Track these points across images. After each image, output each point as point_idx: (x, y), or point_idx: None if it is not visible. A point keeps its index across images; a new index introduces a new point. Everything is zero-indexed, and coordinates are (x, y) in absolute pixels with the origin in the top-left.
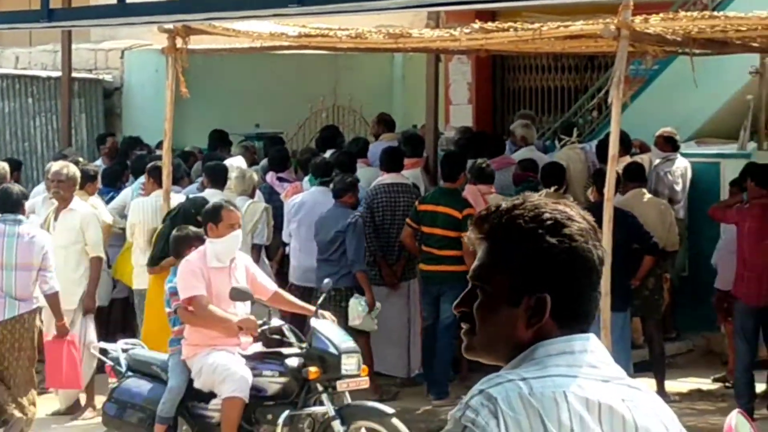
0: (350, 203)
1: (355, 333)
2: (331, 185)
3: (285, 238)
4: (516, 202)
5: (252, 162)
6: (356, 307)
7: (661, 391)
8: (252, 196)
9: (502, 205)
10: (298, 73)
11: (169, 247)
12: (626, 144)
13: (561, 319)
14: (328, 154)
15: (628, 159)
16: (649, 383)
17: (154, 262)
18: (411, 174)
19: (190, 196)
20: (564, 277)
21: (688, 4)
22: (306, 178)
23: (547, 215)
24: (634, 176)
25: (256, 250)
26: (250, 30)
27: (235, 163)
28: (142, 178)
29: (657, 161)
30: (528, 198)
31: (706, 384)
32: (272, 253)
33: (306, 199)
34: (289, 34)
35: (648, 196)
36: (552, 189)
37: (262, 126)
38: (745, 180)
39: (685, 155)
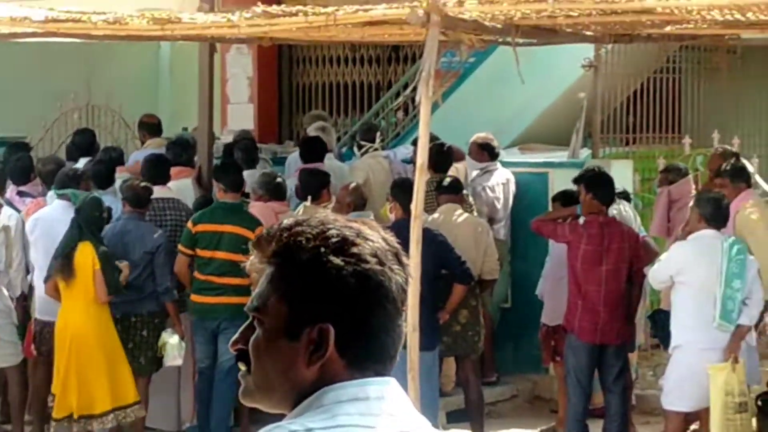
0: (145, 213)
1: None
2: (121, 191)
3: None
4: (301, 219)
5: None
6: (177, 345)
7: None
8: None
9: (284, 222)
10: (44, 65)
11: None
12: (447, 158)
13: (351, 357)
14: (82, 163)
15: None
16: None
17: None
18: (179, 185)
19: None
20: (351, 306)
21: None
22: (50, 192)
23: (333, 232)
24: (446, 189)
25: None
26: None
27: None
28: None
29: (474, 174)
30: (317, 215)
31: None
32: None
33: (42, 215)
34: (34, 19)
35: (463, 213)
36: (308, 201)
37: (0, 129)
38: (574, 194)
39: (506, 164)
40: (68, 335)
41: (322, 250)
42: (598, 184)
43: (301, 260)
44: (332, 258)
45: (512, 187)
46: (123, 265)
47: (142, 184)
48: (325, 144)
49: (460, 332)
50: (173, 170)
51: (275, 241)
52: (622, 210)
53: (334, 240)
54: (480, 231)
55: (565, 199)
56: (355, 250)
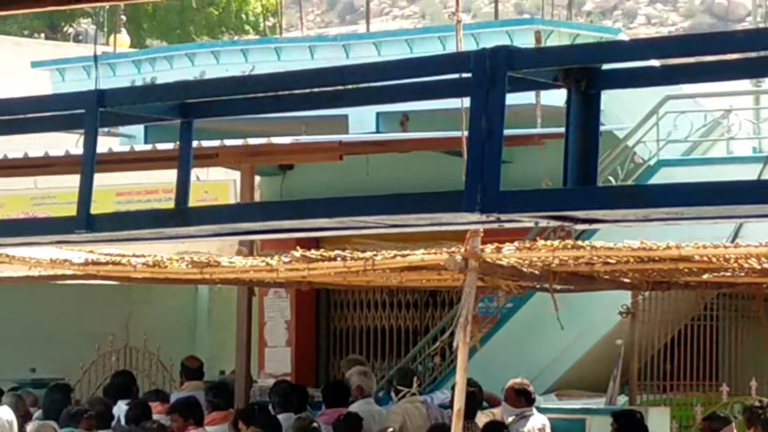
0: None
1: None
2: None
3: None
4: None
5: (25, 413)
6: None
7: None
8: None
9: None
10: (82, 306)
11: None
12: (476, 404)
13: None
14: (120, 405)
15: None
16: None
17: None
18: (218, 430)
19: None
20: None
21: (547, 232)
22: None
23: None
24: None
25: None
26: (27, 256)
27: (2, 415)
28: None
29: (509, 419)
30: None
31: None
32: None
33: None
34: (74, 261)
35: None
36: None
37: (39, 370)
38: None
39: (543, 410)
40: None
41: None
42: (629, 428)
43: None
44: None
45: None
46: None
47: (155, 425)
48: (347, 388)
49: None
50: (213, 415)
51: None
52: None
53: None
54: None
55: None
56: None
